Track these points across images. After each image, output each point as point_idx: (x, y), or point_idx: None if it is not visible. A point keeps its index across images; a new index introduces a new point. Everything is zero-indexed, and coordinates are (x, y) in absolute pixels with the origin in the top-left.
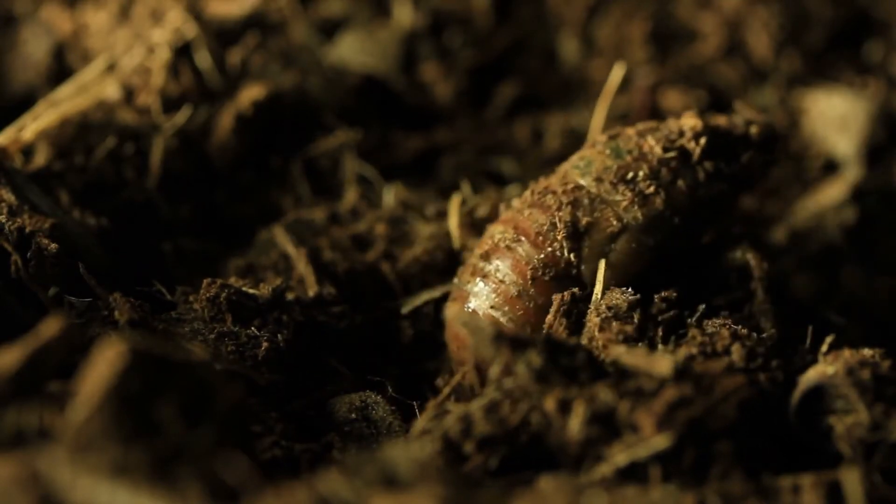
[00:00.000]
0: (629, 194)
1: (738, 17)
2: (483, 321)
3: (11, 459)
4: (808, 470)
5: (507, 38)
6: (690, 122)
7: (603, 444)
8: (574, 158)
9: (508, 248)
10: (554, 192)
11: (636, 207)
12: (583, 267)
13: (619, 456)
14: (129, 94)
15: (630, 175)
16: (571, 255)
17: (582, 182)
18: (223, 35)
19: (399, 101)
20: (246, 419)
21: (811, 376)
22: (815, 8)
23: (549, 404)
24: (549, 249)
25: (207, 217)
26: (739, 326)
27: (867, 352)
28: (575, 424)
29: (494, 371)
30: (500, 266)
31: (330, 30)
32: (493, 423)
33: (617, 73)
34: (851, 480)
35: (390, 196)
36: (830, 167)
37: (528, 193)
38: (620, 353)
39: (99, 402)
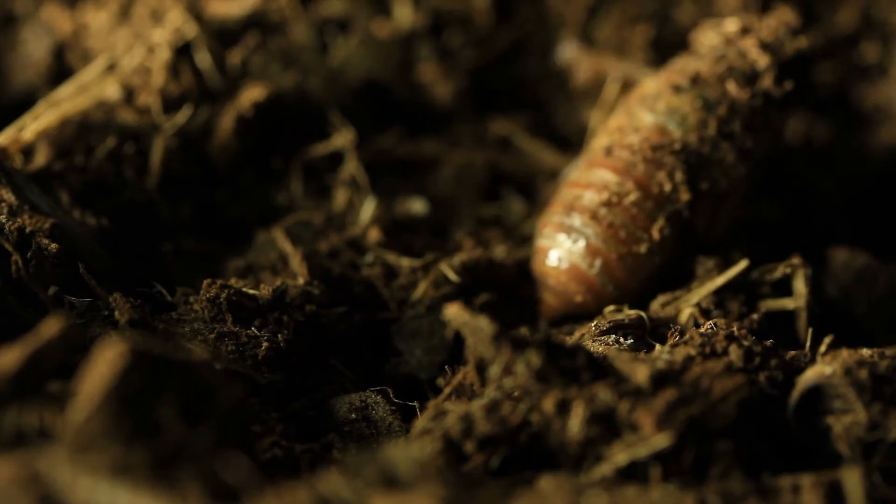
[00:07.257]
0: (734, 152)
1: None
2: (482, 321)
3: (11, 459)
4: (808, 470)
5: (507, 38)
6: (762, 60)
7: (603, 443)
8: (661, 107)
9: (634, 203)
10: (662, 148)
11: (741, 164)
12: (699, 224)
13: (619, 456)
14: (129, 94)
15: (728, 130)
16: (692, 215)
17: (685, 139)
18: (223, 35)
19: (399, 101)
20: (246, 419)
21: (809, 376)
22: (815, 8)
23: (549, 404)
24: (671, 208)
25: (207, 217)
26: (736, 328)
27: (865, 351)
28: (575, 424)
29: (494, 371)
30: (624, 219)
31: (330, 30)
32: (494, 423)
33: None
34: (852, 480)
35: (367, 212)
36: None
37: (634, 139)
38: (611, 354)
39: (99, 402)
